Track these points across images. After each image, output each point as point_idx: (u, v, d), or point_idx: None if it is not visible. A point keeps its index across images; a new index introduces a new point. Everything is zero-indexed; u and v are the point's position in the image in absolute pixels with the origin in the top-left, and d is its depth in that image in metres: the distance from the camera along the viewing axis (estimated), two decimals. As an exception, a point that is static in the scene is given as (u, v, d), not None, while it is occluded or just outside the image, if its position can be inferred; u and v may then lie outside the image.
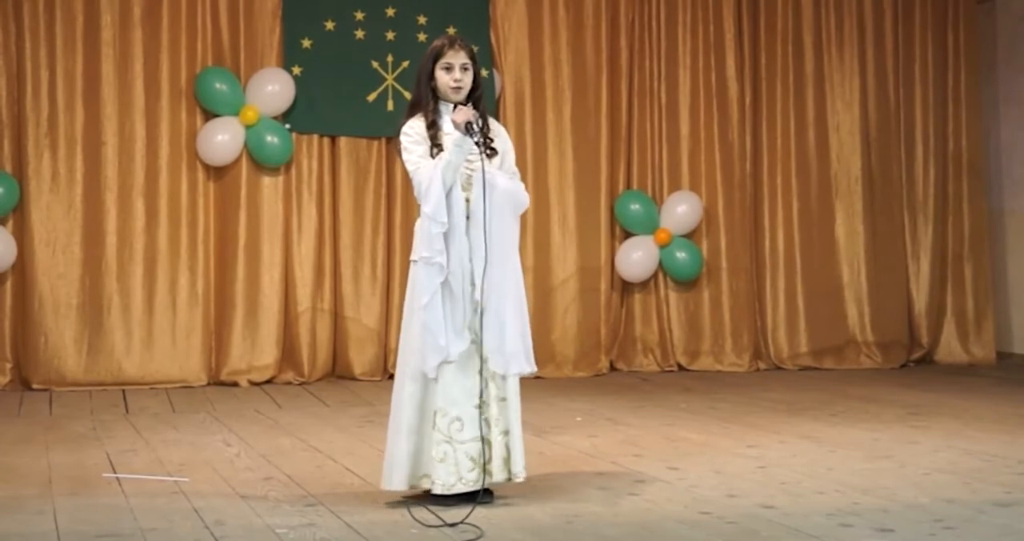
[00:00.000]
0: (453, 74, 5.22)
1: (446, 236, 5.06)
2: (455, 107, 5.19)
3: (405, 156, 5.21)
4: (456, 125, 5.09)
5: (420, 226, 5.13)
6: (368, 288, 9.80)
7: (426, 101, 5.26)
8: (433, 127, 5.21)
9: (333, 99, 9.69)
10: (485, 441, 5.11)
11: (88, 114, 9.31)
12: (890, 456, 6.28)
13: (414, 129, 5.22)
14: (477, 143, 5.05)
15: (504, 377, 5.18)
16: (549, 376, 9.89)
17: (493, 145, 5.27)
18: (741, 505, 5.14)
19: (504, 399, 5.19)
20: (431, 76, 5.26)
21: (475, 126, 5.06)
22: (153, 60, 9.44)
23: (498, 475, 5.16)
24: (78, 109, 9.29)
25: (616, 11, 10.43)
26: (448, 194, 5.06)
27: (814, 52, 10.77)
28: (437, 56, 5.24)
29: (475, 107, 5.21)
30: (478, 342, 5.14)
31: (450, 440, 5.09)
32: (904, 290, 10.91)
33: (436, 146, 5.16)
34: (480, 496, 5.05)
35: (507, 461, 5.18)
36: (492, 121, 5.36)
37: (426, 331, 5.07)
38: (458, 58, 5.23)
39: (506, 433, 5.18)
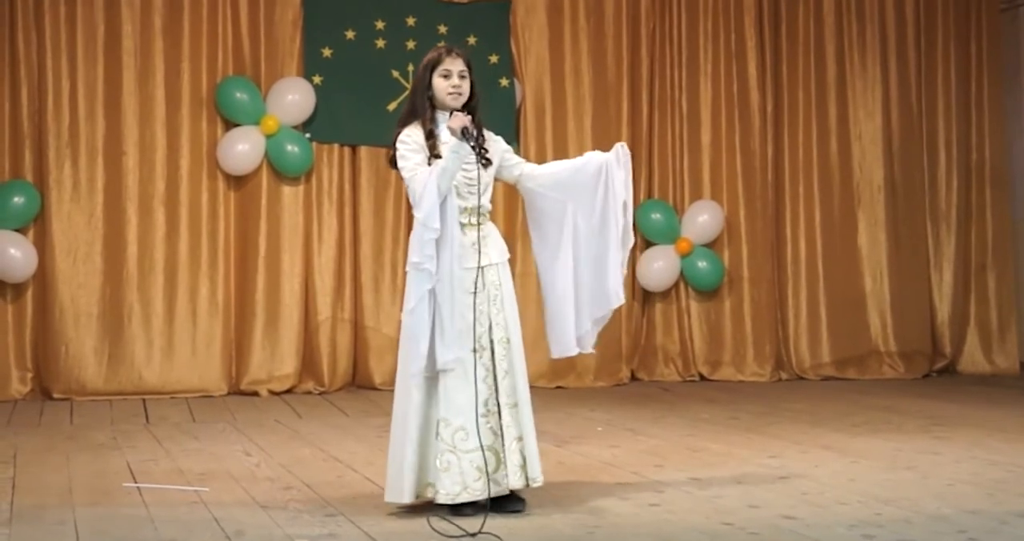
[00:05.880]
0: (451, 80, 5.19)
1: (438, 243, 5.04)
2: (451, 114, 5.17)
3: (401, 163, 5.17)
4: (452, 131, 5.07)
5: (413, 233, 5.12)
6: (388, 297, 9.79)
7: (423, 112, 5.23)
8: (431, 137, 5.18)
9: (353, 108, 9.68)
10: (489, 450, 5.08)
11: (109, 124, 9.34)
12: (913, 467, 6.24)
13: (412, 137, 5.19)
14: (473, 148, 5.04)
15: (514, 383, 5.16)
16: (569, 386, 9.88)
17: (488, 156, 5.24)
18: (763, 516, 5.11)
19: (515, 405, 5.16)
20: (428, 86, 5.23)
21: (471, 131, 5.05)
22: (174, 70, 9.46)
23: (515, 482, 5.12)
24: (99, 119, 9.32)
25: (637, 20, 10.40)
26: (443, 201, 5.04)
27: (836, 60, 10.73)
28: (434, 65, 5.22)
29: (471, 117, 5.17)
30: (481, 350, 5.13)
31: (454, 450, 5.05)
32: (927, 300, 10.85)
33: (434, 156, 5.13)
34: (512, 504, 5.09)
35: (523, 467, 5.15)
36: (487, 131, 5.33)
37: (409, 337, 5.05)
38: (456, 65, 5.21)
39: (520, 439, 5.15)
